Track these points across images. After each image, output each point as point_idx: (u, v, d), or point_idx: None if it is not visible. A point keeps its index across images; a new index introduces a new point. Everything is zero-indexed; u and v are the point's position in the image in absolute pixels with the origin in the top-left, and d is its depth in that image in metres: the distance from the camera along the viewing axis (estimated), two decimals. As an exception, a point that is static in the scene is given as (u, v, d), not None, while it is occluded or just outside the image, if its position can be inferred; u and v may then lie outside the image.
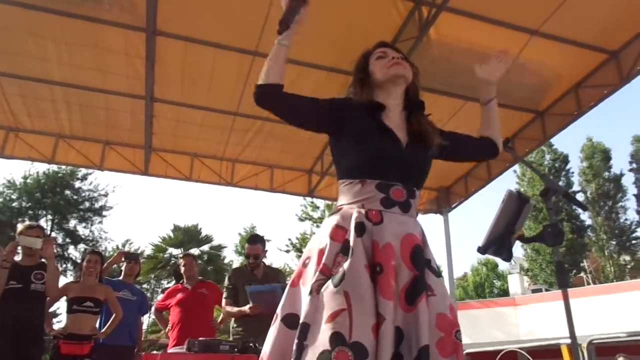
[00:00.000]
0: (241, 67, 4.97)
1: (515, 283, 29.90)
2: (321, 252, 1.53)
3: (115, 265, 5.23)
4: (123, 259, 5.10)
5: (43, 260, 4.01)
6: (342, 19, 4.42)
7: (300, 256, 1.63)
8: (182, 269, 5.04)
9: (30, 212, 27.37)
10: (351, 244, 1.49)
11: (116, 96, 5.55)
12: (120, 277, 5.06)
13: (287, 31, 1.70)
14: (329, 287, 1.43)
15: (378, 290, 1.43)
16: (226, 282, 4.23)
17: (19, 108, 5.84)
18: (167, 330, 4.98)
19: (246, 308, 3.79)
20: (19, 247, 3.94)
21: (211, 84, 5.32)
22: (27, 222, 4.65)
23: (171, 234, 25.41)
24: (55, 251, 4.26)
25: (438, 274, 1.59)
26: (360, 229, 1.52)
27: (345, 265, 1.45)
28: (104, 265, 4.63)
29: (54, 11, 4.36)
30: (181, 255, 5.40)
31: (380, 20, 4.42)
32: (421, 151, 1.69)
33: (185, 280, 5.02)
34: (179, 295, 4.93)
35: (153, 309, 5.55)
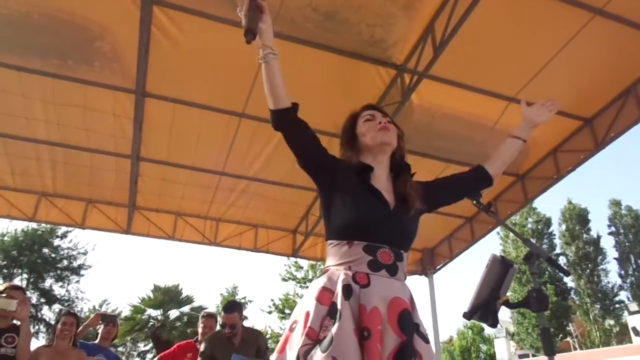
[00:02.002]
0: (228, 128, 5.06)
1: (502, 348, 29.36)
2: (308, 315, 1.49)
3: (91, 328, 5.02)
4: (100, 321, 4.90)
5: (15, 322, 3.84)
6: (328, 83, 4.58)
7: (282, 317, 1.58)
8: (200, 330, 4.73)
9: (5, 270, 26.52)
10: (339, 307, 1.45)
11: (102, 155, 5.57)
12: (96, 341, 4.84)
13: (261, 39, 1.63)
14: (317, 352, 1.38)
15: (366, 356, 1.39)
16: (202, 348, 4.02)
17: (2, 166, 5.81)
18: None
19: None
20: None
21: (198, 144, 5.38)
22: (7, 283, 4.48)
23: (151, 295, 24.62)
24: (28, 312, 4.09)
25: (427, 339, 1.55)
26: (347, 291, 1.49)
27: (333, 329, 1.41)
28: (79, 327, 4.45)
29: (46, 74, 4.44)
30: (203, 315, 5.08)
31: (364, 85, 4.57)
32: (408, 213, 1.69)
33: (199, 338, 4.73)
34: (190, 355, 4.62)
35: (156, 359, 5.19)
